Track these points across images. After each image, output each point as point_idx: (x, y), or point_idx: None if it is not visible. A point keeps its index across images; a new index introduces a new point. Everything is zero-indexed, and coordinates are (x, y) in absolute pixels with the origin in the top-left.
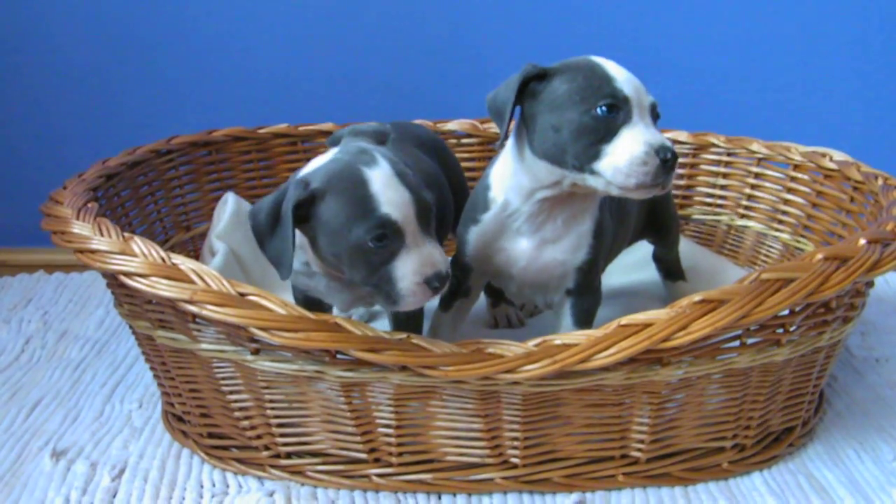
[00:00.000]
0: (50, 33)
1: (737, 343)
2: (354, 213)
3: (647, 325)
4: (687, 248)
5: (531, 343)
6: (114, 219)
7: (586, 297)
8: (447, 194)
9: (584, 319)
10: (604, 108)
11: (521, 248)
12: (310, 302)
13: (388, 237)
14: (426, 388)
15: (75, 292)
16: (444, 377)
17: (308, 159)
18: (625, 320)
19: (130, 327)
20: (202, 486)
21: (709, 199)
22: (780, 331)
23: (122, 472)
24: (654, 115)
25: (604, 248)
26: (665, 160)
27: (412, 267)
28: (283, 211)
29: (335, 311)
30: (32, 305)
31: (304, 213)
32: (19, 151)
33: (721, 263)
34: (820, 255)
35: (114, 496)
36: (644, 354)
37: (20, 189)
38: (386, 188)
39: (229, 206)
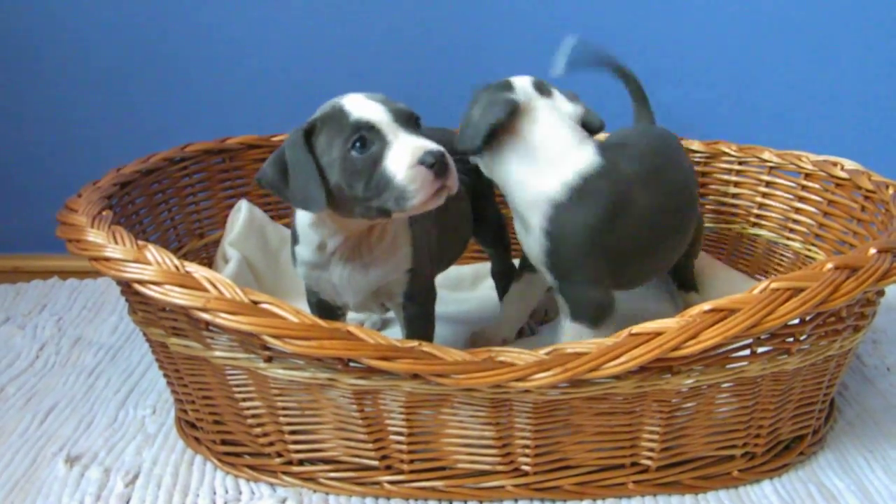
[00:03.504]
0: (66, 42)
1: (747, 352)
2: (334, 132)
3: (657, 334)
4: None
5: (542, 351)
6: (128, 226)
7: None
8: (466, 208)
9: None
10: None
11: None
12: (323, 307)
13: (367, 139)
14: (438, 396)
15: (89, 298)
16: (455, 385)
17: None
18: (635, 329)
19: (144, 334)
20: (215, 493)
21: (720, 208)
22: (791, 340)
23: (135, 478)
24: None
25: None
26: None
27: (401, 155)
28: (293, 145)
29: (349, 315)
30: (47, 311)
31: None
32: (34, 158)
33: (729, 273)
34: (830, 265)
35: (127, 502)
36: (654, 363)
37: (35, 195)
38: (354, 102)
39: (242, 214)
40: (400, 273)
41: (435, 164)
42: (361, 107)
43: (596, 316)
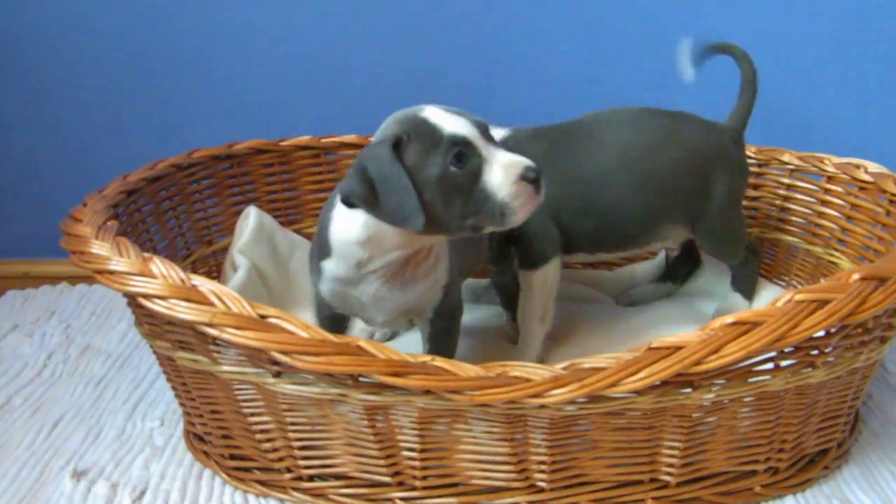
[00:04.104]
0: (74, 47)
1: (770, 365)
2: (427, 147)
3: (677, 349)
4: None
5: (559, 366)
6: (134, 235)
7: None
8: None
9: None
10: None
11: None
12: (334, 321)
13: (465, 154)
14: (451, 412)
15: (98, 304)
16: (469, 401)
17: (332, 171)
18: (655, 343)
19: (150, 346)
20: None
21: None
22: (816, 353)
23: (142, 493)
24: None
25: None
26: None
27: (501, 172)
28: (379, 159)
29: (359, 325)
30: (55, 318)
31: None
32: (42, 162)
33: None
34: (857, 276)
35: None
36: (675, 378)
37: (43, 200)
38: (438, 116)
39: (251, 220)
40: (437, 289)
41: (536, 179)
42: (450, 121)
43: (536, 258)
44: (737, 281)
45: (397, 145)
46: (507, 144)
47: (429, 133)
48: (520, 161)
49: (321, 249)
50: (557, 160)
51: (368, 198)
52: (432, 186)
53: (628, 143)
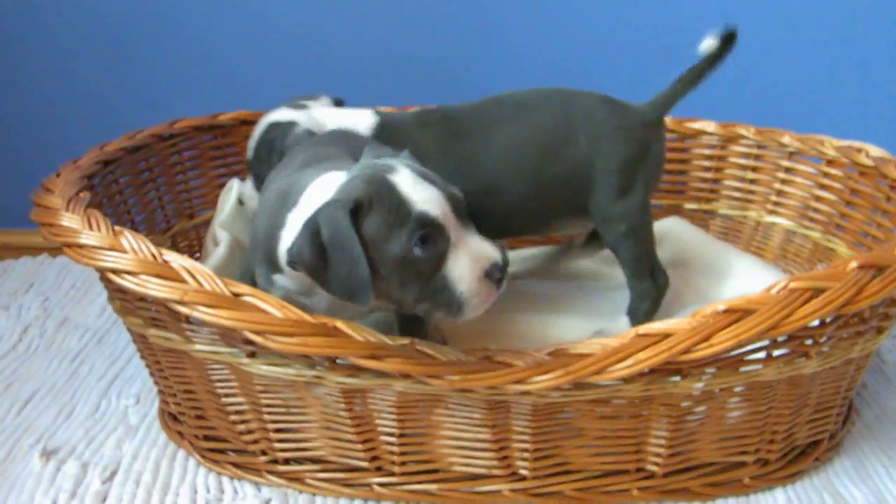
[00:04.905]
0: (54, 12)
1: (763, 355)
2: (391, 220)
3: (666, 336)
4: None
5: (543, 352)
6: (111, 206)
7: None
8: None
9: None
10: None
11: None
12: None
13: (433, 237)
14: (431, 396)
15: (78, 277)
16: (449, 386)
17: None
18: (643, 329)
19: (123, 323)
20: (196, 492)
21: (736, 194)
22: (810, 342)
23: (113, 473)
24: None
25: None
26: None
27: (467, 264)
28: (334, 222)
29: None
30: (34, 291)
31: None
32: (22, 130)
33: (753, 262)
34: (854, 264)
35: (104, 500)
36: (663, 366)
37: (23, 168)
38: (409, 185)
39: (234, 194)
40: None
41: (500, 279)
42: (421, 194)
43: None
44: (631, 309)
45: (357, 210)
46: (402, 130)
47: (395, 204)
48: (488, 255)
49: (270, 263)
50: (450, 156)
51: (316, 266)
52: (389, 265)
53: (521, 148)
